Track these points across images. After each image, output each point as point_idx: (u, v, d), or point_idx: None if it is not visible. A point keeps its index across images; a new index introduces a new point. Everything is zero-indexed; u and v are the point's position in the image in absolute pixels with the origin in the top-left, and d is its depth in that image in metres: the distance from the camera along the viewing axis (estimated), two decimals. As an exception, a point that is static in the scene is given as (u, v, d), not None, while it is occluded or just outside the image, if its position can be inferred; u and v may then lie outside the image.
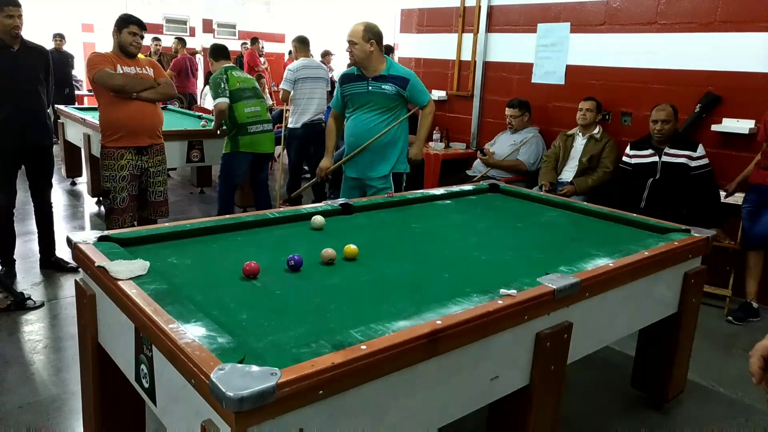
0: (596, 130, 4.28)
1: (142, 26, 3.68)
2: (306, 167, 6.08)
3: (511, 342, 1.64)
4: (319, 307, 1.59)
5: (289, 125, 5.59)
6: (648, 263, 2.07)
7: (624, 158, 3.99)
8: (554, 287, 1.69)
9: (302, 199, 5.09)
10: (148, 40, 7.27)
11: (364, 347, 1.27)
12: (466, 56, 5.36)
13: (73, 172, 6.25)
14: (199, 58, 10.59)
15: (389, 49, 6.46)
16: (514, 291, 1.61)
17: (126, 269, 1.63)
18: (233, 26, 12.96)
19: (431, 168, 4.99)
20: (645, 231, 2.50)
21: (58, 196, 5.59)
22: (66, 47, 9.11)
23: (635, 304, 2.18)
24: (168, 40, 10.04)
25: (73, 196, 5.97)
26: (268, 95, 5.82)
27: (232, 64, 4.65)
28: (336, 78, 10.52)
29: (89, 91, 8.97)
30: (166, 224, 2.17)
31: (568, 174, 4.30)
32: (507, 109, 4.76)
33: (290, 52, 8.94)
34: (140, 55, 3.82)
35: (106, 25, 6.58)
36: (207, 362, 1.17)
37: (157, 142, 3.87)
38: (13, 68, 3.49)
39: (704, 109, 3.90)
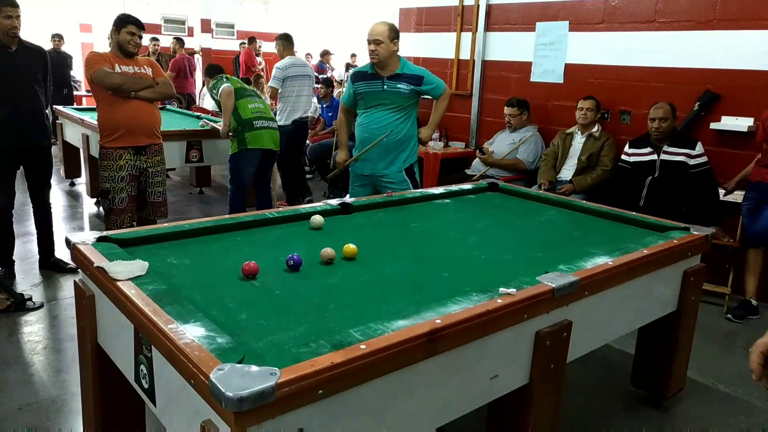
0: (595, 129, 4.28)
1: (141, 26, 3.68)
2: (307, 167, 6.09)
3: (511, 341, 1.64)
4: (318, 307, 1.59)
5: (279, 123, 5.59)
6: (647, 261, 2.07)
7: (623, 156, 3.98)
8: (554, 286, 1.69)
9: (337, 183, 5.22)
10: (146, 40, 7.25)
11: (363, 347, 1.27)
12: (465, 55, 5.36)
13: (72, 172, 6.25)
14: (198, 58, 10.57)
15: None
16: (514, 290, 1.61)
17: (125, 270, 1.63)
18: (231, 26, 12.95)
19: (430, 167, 4.99)
20: (644, 229, 2.50)
21: (57, 197, 5.59)
22: (64, 48, 9.10)
23: (635, 302, 2.18)
24: (166, 41, 10.03)
25: (72, 196, 5.96)
26: (268, 96, 5.81)
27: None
28: (336, 77, 10.56)
29: (88, 91, 8.97)
30: (165, 224, 2.17)
31: (567, 173, 4.30)
32: (506, 107, 4.75)
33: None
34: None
35: (105, 26, 6.59)
36: (206, 362, 1.17)
37: (156, 142, 3.87)
38: (12, 69, 3.49)
39: (703, 107, 3.90)
